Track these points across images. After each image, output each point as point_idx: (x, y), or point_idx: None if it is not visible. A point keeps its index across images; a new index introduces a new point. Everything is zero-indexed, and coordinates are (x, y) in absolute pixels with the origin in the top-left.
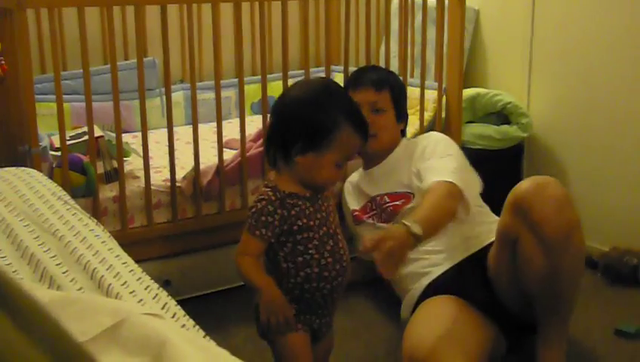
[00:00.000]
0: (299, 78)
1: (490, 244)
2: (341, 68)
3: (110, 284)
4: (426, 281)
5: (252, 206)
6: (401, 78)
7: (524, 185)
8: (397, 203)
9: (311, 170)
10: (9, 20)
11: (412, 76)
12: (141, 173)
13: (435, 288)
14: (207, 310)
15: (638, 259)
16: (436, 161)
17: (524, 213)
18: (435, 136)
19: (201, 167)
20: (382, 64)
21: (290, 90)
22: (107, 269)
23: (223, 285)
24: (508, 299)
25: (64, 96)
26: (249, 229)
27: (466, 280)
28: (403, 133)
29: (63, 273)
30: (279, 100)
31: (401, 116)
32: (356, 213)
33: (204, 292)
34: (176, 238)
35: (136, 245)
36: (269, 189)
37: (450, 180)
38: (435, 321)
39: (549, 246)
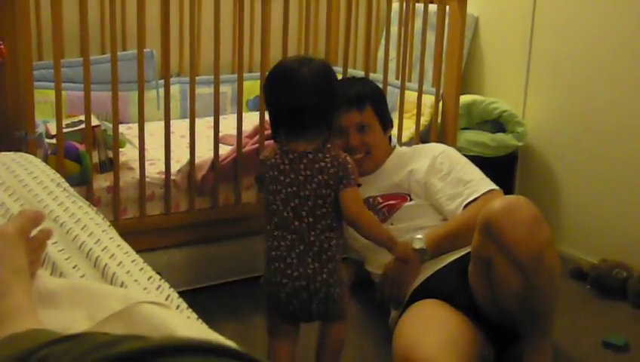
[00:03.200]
0: None
1: None
2: (340, 69)
3: (114, 273)
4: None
5: (348, 163)
6: (398, 81)
7: (495, 207)
8: (392, 202)
9: None
10: (10, 5)
11: (410, 80)
12: (136, 165)
13: (420, 292)
14: (197, 305)
15: (628, 272)
16: (464, 174)
17: (495, 236)
18: (444, 147)
19: (196, 161)
20: (380, 67)
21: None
22: (110, 258)
23: (214, 280)
24: (489, 310)
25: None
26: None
27: (450, 285)
28: (389, 139)
29: (66, 259)
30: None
31: (386, 125)
32: None
33: (194, 286)
34: (169, 231)
35: (128, 236)
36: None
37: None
38: (428, 324)
39: (521, 267)
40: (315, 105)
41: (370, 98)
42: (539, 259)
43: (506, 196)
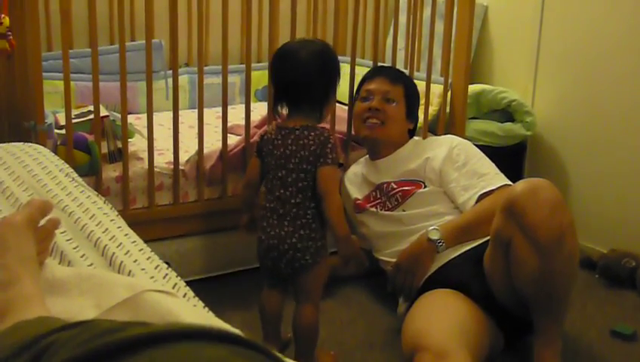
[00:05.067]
0: None
1: (488, 240)
2: (348, 58)
3: (122, 262)
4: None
5: (329, 142)
6: (407, 71)
7: (518, 188)
8: (406, 188)
9: None
10: None
11: (418, 70)
12: (144, 155)
13: (433, 281)
14: (205, 294)
15: (637, 261)
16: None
17: (518, 216)
18: (461, 139)
19: (205, 151)
20: (388, 57)
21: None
22: (118, 247)
23: (222, 270)
24: (503, 297)
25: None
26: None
27: (463, 274)
28: (411, 134)
29: (74, 248)
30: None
31: (411, 115)
32: (359, 201)
33: (202, 276)
34: (177, 221)
35: (137, 226)
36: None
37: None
38: (438, 313)
39: (541, 249)
40: (308, 83)
41: (406, 83)
42: (559, 242)
43: (530, 178)
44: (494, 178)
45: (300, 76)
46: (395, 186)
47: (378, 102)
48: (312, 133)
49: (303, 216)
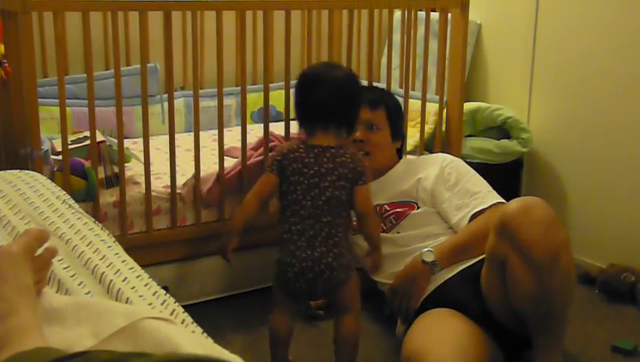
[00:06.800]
0: None
1: (484, 258)
2: None
3: (119, 289)
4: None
5: (361, 161)
6: (401, 90)
7: (511, 207)
8: (399, 210)
9: None
10: (13, 23)
11: (413, 89)
12: (141, 179)
13: (430, 302)
14: (205, 317)
15: (636, 276)
16: (472, 186)
17: (511, 235)
18: (452, 158)
19: (202, 174)
20: (383, 76)
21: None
22: (115, 274)
23: (222, 293)
24: (501, 315)
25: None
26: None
27: (460, 293)
28: (400, 152)
29: (71, 276)
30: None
31: (397, 135)
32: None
33: (201, 299)
34: (175, 245)
35: (135, 251)
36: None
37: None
38: (437, 332)
39: (536, 268)
40: (340, 106)
41: (386, 103)
42: (554, 260)
43: (523, 197)
44: (486, 196)
45: (334, 98)
46: (388, 208)
47: (362, 132)
48: (348, 152)
49: (335, 235)
